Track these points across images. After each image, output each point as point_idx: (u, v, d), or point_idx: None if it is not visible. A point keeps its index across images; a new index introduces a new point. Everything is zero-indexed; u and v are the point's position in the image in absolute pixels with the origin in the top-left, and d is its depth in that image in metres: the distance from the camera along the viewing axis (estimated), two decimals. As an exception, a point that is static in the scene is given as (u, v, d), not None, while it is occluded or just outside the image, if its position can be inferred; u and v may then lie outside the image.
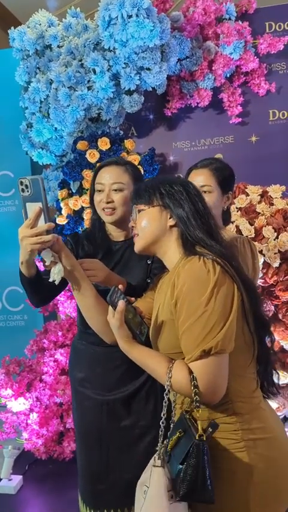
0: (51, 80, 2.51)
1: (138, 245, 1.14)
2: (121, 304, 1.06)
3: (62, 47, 2.56)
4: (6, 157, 3.19)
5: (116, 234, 1.54)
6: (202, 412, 0.97)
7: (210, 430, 0.92)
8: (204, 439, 0.91)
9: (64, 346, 2.59)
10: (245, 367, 1.06)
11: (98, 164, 2.45)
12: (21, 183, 1.07)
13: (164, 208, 1.11)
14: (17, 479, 2.36)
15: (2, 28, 4.24)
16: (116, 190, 1.45)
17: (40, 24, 2.60)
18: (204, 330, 0.95)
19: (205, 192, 1.56)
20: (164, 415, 1.02)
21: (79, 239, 1.54)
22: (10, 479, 2.34)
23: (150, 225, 1.11)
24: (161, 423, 1.02)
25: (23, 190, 1.08)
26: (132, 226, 1.18)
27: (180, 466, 0.92)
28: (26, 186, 1.07)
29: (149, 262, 1.47)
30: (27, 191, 1.07)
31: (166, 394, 1.01)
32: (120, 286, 1.12)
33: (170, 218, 1.11)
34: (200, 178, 1.58)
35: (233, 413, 1.02)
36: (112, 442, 1.51)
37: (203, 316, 0.95)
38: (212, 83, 2.65)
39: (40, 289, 1.33)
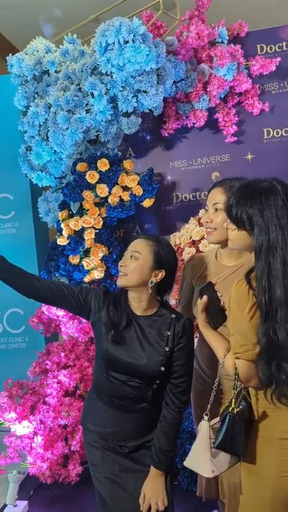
0: (50, 104, 2.56)
1: (230, 246, 1.38)
2: (204, 298, 1.42)
3: (59, 72, 2.63)
4: (5, 180, 3.23)
5: (135, 305, 1.55)
6: (250, 390, 1.33)
7: (241, 407, 1.28)
8: (235, 412, 1.27)
9: (67, 367, 2.58)
10: None
11: (98, 185, 2.51)
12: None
13: (251, 233, 1.25)
14: (22, 504, 2.31)
15: (-1, 55, 4.35)
16: (132, 257, 1.50)
17: (38, 51, 2.67)
18: (240, 341, 1.23)
19: (216, 210, 1.60)
20: (214, 387, 1.46)
21: (108, 300, 1.56)
22: (15, 505, 2.30)
23: (239, 244, 1.31)
24: (212, 393, 1.44)
25: None
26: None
27: (221, 425, 1.30)
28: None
29: (168, 333, 1.50)
30: None
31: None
32: (213, 281, 1.48)
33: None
34: (213, 197, 1.62)
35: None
36: (136, 481, 1.55)
37: (242, 330, 1.23)
38: (207, 104, 2.72)
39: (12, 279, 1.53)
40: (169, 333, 1.50)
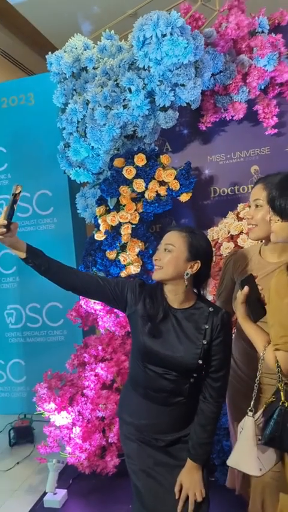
0: (88, 100, 2.59)
1: (272, 239, 1.42)
2: (246, 288, 1.40)
3: (97, 68, 2.64)
4: (45, 176, 3.31)
5: (171, 298, 1.54)
6: None
7: None
8: (286, 405, 1.26)
9: (104, 360, 2.61)
10: None
11: (135, 180, 2.52)
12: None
13: None
14: (62, 493, 2.38)
15: (39, 54, 4.44)
16: (165, 250, 1.50)
17: (76, 48, 2.70)
18: (280, 332, 1.25)
19: (257, 206, 1.60)
20: (257, 380, 1.42)
21: (144, 292, 1.57)
22: (55, 493, 2.36)
23: (282, 236, 1.35)
24: (255, 387, 1.40)
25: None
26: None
27: (267, 421, 1.29)
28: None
29: (206, 327, 1.48)
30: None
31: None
32: (255, 274, 1.45)
33: None
34: (254, 193, 1.61)
35: None
36: (171, 475, 1.55)
37: (281, 321, 1.24)
38: (247, 96, 2.66)
39: (46, 269, 1.51)
40: (207, 326, 1.48)
